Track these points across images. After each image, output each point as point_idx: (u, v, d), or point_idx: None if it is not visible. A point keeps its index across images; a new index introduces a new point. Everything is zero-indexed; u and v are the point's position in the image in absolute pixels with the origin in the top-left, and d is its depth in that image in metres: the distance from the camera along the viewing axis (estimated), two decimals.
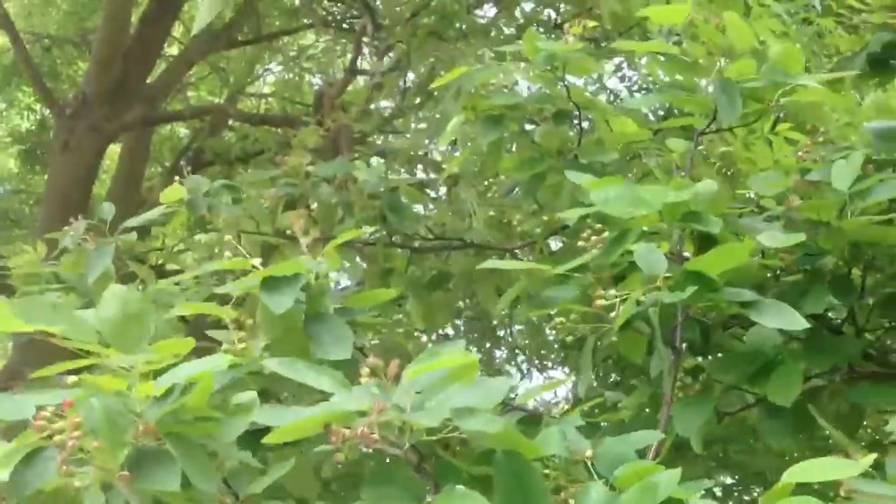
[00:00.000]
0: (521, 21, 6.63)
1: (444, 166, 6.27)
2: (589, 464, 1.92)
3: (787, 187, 2.71)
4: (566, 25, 3.01)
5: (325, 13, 7.81)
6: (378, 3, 6.29)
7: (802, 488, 1.64)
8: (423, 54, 5.85)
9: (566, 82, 3.00)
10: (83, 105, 6.51)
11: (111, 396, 1.73)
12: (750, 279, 2.64)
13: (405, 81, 6.40)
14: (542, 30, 6.13)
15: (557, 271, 2.47)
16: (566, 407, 2.25)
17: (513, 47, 3.11)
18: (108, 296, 1.97)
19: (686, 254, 2.47)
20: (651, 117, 6.44)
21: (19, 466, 1.68)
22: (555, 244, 3.92)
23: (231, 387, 1.98)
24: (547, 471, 1.94)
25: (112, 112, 6.59)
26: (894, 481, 1.77)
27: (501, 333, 7.29)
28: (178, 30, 8.67)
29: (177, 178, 3.34)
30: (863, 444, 2.93)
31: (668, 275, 2.24)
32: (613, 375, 4.49)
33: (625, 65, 7.29)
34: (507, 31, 6.48)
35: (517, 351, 7.54)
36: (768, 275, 2.78)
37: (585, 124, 3.13)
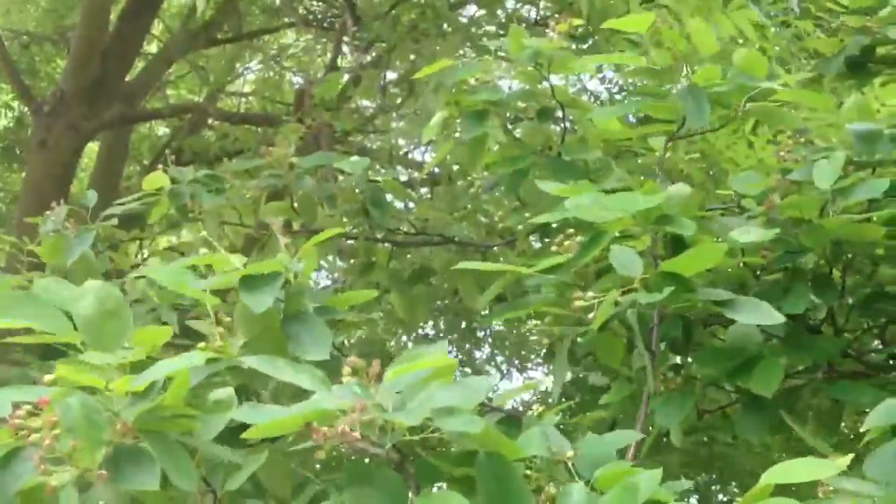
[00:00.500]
0: (502, 19, 6.63)
1: (424, 164, 6.28)
2: (569, 464, 1.92)
3: (768, 187, 2.74)
4: (551, 23, 3.01)
5: (305, 11, 7.79)
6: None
7: (781, 489, 1.65)
8: (404, 51, 5.83)
9: (550, 80, 3.01)
10: (61, 103, 6.46)
11: (88, 395, 1.71)
12: (730, 278, 2.67)
13: (384, 78, 6.39)
14: (524, 26, 6.13)
15: (531, 272, 2.48)
16: (540, 408, 2.25)
17: (496, 43, 3.12)
18: (85, 292, 1.93)
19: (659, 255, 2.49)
20: (632, 118, 6.46)
21: None
22: (536, 242, 3.93)
23: (209, 383, 1.96)
24: (528, 471, 1.95)
25: (90, 110, 6.54)
26: (873, 480, 1.78)
27: (481, 334, 7.30)
28: (157, 27, 8.63)
29: (160, 166, 3.31)
30: (838, 440, 2.95)
31: (644, 276, 2.26)
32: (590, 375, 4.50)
33: (605, 65, 7.29)
34: (487, 27, 6.48)
35: (496, 351, 7.56)
36: (749, 274, 2.80)
37: (568, 123, 3.13)
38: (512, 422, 2.42)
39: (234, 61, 9.03)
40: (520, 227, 3.42)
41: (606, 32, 4.62)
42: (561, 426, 2.18)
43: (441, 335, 6.82)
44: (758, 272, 2.81)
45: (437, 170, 4.96)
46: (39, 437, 1.65)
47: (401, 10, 6.07)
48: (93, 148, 8.17)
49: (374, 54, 6.38)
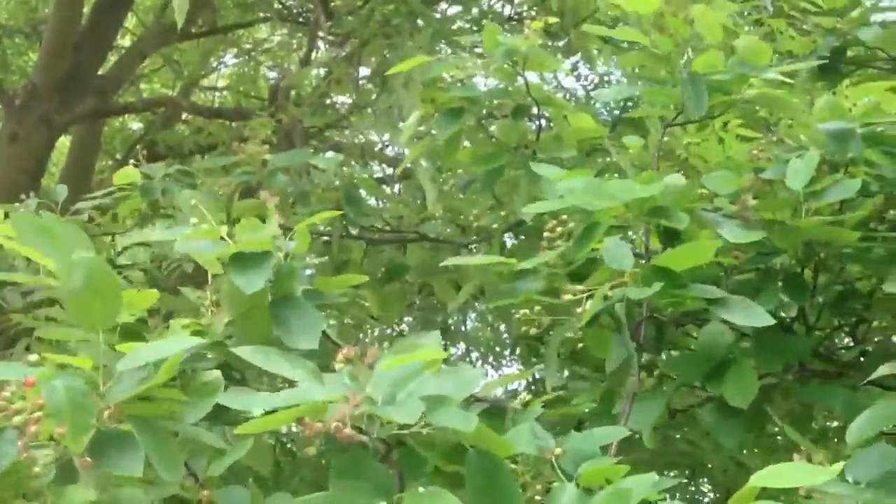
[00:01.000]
0: (476, 14, 6.60)
1: (399, 160, 6.25)
2: (554, 461, 1.92)
3: (741, 186, 2.74)
4: (526, 21, 3.01)
5: (280, 6, 7.74)
6: None
7: (763, 490, 1.64)
8: (376, 47, 5.80)
9: (525, 77, 3.01)
10: (33, 96, 6.40)
11: (74, 377, 1.68)
12: (704, 276, 2.67)
13: (358, 73, 6.36)
14: (497, 23, 6.12)
15: (523, 266, 2.46)
16: (526, 397, 2.23)
17: (470, 39, 3.11)
18: (73, 265, 1.82)
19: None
20: (606, 116, 6.47)
21: None
22: (510, 241, 3.93)
23: (193, 359, 1.93)
24: (514, 466, 1.95)
25: (62, 103, 6.48)
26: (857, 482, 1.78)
27: (455, 329, 7.28)
28: (130, 21, 8.56)
29: (132, 161, 3.29)
30: (809, 437, 2.96)
31: (634, 270, 2.25)
32: (566, 372, 4.50)
33: (580, 63, 7.30)
34: (461, 24, 6.46)
35: (471, 348, 7.55)
36: (721, 273, 2.81)
37: (543, 121, 3.13)
38: (496, 412, 2.41)
39: (208, 56, 8.97)
40: (495, 225, 3.42)
41: (580, 30, 4.63)
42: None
43: (415, 331, 6.80)
44: (728, 270, 2.81)
45: (410, 165, 4.95)
46: (22, 420, 1.63)
47: (374, 4, 6.03)
48: (64, 142, 8.09)
49: (347, 49, 6.35)
